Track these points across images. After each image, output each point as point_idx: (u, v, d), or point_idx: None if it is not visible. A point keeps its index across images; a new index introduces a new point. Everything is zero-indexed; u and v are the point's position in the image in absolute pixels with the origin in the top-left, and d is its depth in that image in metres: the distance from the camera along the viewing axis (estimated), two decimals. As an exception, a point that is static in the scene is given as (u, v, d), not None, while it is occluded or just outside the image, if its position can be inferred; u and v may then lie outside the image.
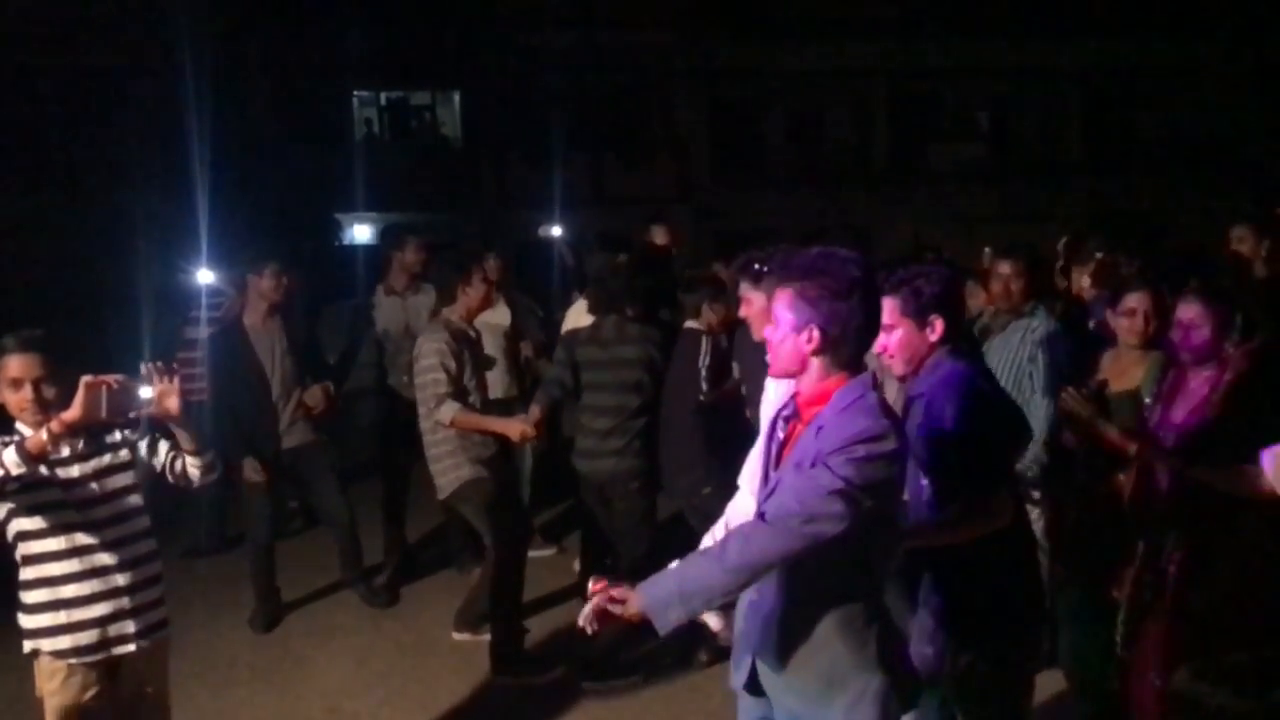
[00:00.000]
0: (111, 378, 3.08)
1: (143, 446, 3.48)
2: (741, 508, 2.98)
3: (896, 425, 2.50)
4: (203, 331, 6.21)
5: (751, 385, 4.58)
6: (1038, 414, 4.43)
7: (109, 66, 14.14)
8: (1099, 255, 5.66)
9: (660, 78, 21.44)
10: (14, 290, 11.74)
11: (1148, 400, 3.89)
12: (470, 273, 5.29)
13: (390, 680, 5.14)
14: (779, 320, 2.54)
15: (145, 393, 3.18)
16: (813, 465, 2.42)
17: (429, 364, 5.08)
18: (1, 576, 3.45)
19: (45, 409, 3.19)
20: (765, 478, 2.65)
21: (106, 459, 3.41)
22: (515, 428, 5.17)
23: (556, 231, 10.72)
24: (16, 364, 3.22)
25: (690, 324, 5.32)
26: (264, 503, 5.78)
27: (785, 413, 2.64)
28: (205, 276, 6.61)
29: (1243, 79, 21.10)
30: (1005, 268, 4.81)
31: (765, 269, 3.82)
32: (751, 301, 3.95)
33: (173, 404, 3.27)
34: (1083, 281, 5.79)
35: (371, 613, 5.90)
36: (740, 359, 5.16)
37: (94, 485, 3.36)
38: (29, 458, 3.03)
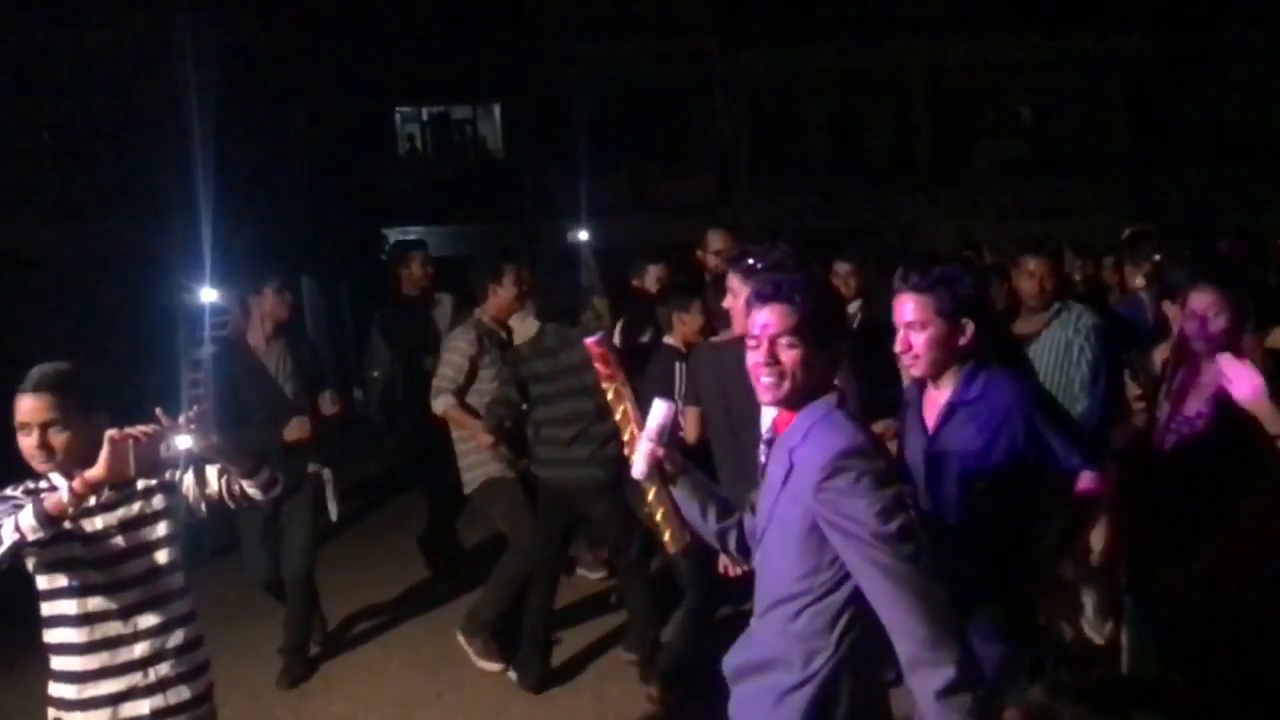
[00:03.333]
0: (139, 430, 2.74)
1: (187, 482, 3.09)
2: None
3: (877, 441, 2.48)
4: (207, 351, 5.95)
5: (725, 406, 4.20)
6: (1081, 408, 4.40)
7: (157, 85, 14.35)
8: (1156, 258, 5.64)
9: (699, 84, 21.47)
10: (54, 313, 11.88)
11: None
12: (501, 271, 5.34)
13: (462, 689, 5.16)
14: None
15: (183, 443, 2.80)
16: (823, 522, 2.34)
17: (447, 357, 5.34)
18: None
19: (52, 457, 2.87)
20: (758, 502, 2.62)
21: (136, 508, 3.02)
22: (485, 437, 5.23)
23: (584, 237, 10.57)
24: (25, 406, 2.86)
25: (666, 340, 5.08)
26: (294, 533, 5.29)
27: (767, 438, 2.61)
28: (209, 295, 6.28)
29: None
30: (1034, 264, 4.74)
31: (758, 265, 3.78)
32: (738, 294, 3.84)
33: (208, 437, 2.89)
34: (1136, 280, 5.77)
35: (440, 621, 5.89)
36: (702, 377, 4.47)
37: (119, 539, 2.98)
38: (47, 520, 2.68)
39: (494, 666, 5.23)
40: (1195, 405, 3.58)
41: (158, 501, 3.06)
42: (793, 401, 2.48)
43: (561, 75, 19.92)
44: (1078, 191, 19.90)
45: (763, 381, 2.48)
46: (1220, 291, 3.50)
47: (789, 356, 2.44)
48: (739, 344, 4.42)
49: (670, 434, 2.60)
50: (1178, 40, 20.92)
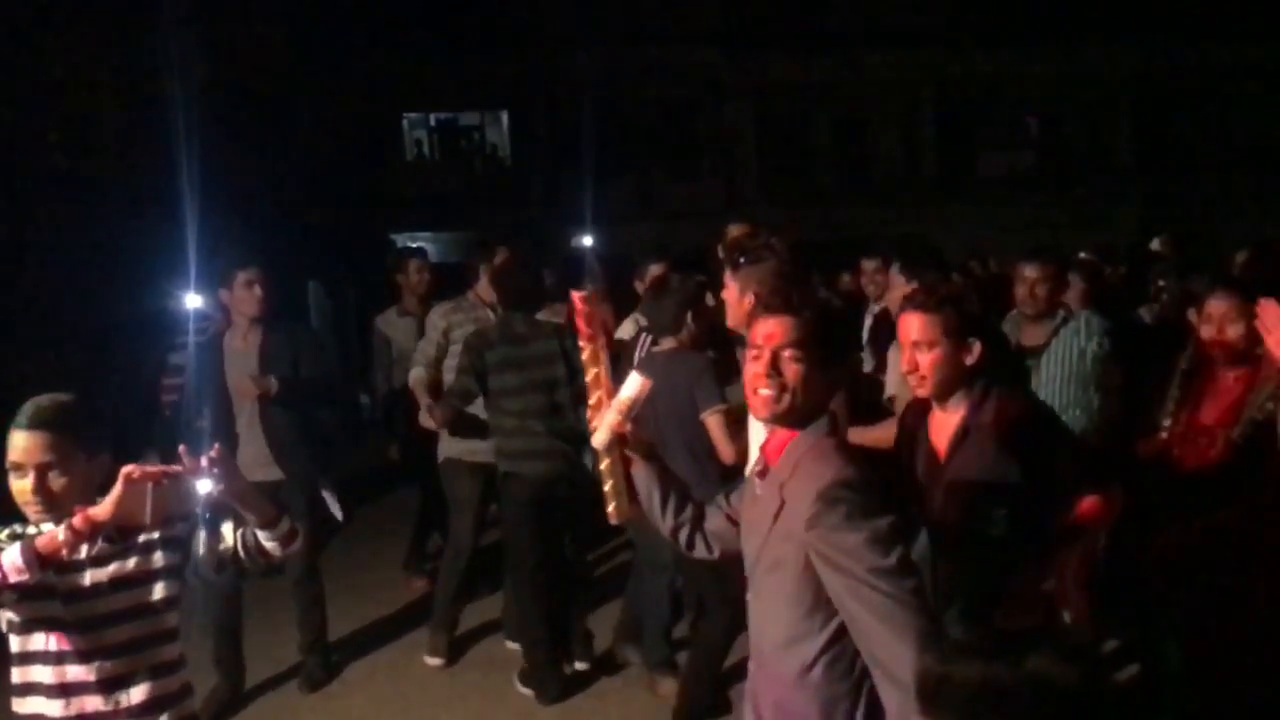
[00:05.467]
0: (160, 470, 2.37)
1: (200, 540, 2.61)
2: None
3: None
4: (188, 356, 5.68)
5: (654, 417, 4.15)
6: (1097, 417, 4.37)
7: (165, 95, 14.39)
8: (1160, 283, 5.64)
9: (707, 92, 21.51)
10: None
11: None
12: (493, 250, 5.41)
13: (486, 691, 5.14)
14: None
15: (204, 487, 2.41)
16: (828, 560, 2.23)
17: (428, 333, 5.54)
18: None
19: (51, 504, 2.45)
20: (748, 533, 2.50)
21: (132, 564, 2.56)
22: (430, 419, 5.14)
23: (588, 242, 10.57)
24: (20, 444, 2.45)
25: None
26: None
27: (758, 469, 2.49)
28: (194, 300, 5.99)
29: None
30: (1031, 271, 4.61)
31: (742, 258, 3.77)
32: (730, 287, 3.82)
33: (233, 482, 2.47)
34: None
35: (461, 623, 5.75)
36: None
37: (109, 600, 2.53)
38: (37, 560, 2.30)
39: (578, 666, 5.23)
40: (1213, 414, 3.54)
41: (159, 558, 2.59)
42: (789, 419, 2.37)
43: (569, 82, 19.96)
44: (1084, 203, 19.89)
45: (760, 394, 2.36)
46: (1237, 298, 3.46)
47: (792, 371, 2.34)
48: (674, 355, 4.38)
49: (638, 411, 2.53)
50: (1184, 53, 20.94)
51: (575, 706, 4.98)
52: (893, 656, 2.14)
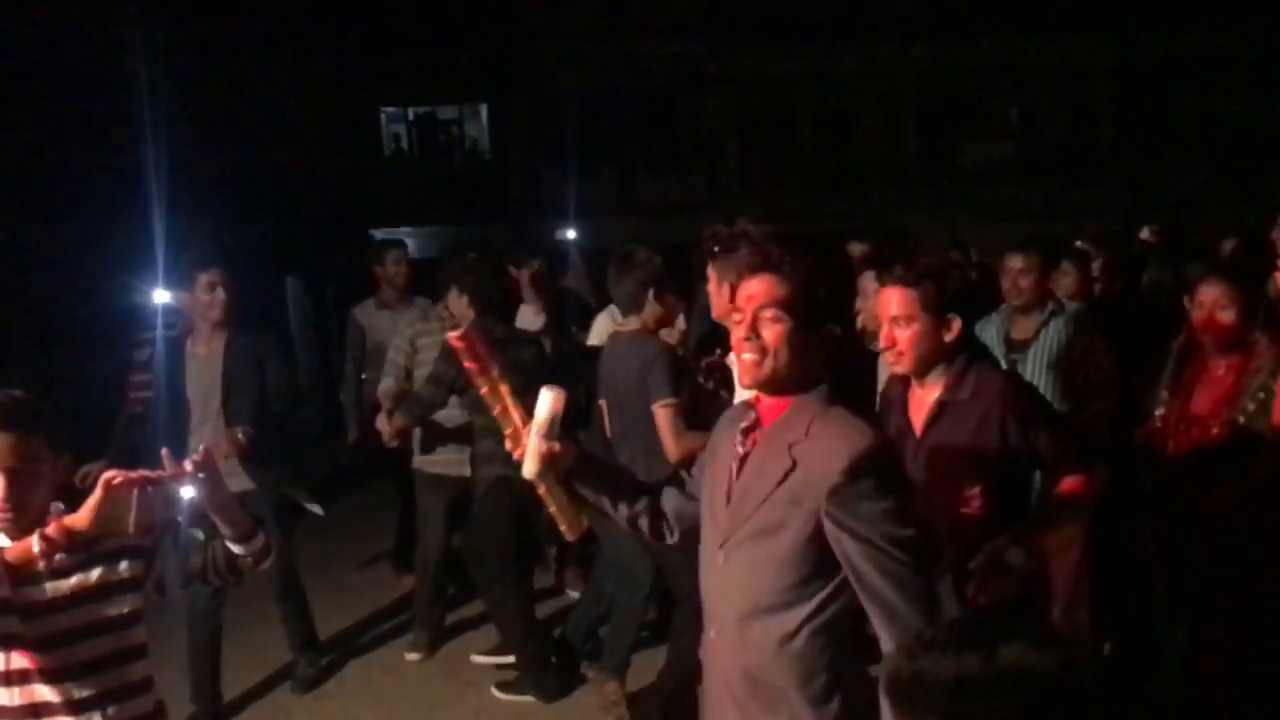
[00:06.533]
0: (144, 475, 2.18)
1: (167, 552, 2.42)
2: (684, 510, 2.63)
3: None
4: (155, 352, 5.40)
5: (615, 395, 4.25)
6: (1083, 406, 4.33)
7: (138, 85, 14.24)
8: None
9: (688, 84, 21.47)
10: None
11: None
12: (461, 268, 5.24)
13: (482, 689, 5.08)
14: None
15: (187, 493, 2.25)
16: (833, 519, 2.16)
17: (396, 342, 5.50)
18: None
19: (22, 513, 2.25)
20: (729, 494, 2.36)
21: (95, 575, 2.34)
22: (389, 425, 5.10)
23: (571, 236, 10.48)
24: None
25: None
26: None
27: (745, 424, 2.36)
28: (161, 296, 5.76)
29: (1273, 70, 20.83)
30: (1016, 262, 4.58)
31: (717, 248, 3.70)
32: (710, 279, 3.76)
33: (216, 490, 2.30)
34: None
35: (456, 621, 5.78)
36: (603, 363, 4.46)
37: (72, 615, 2.32)
38: (7, 574, 2.15)
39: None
40: (1205, 404, 3.51)
41: (124, 569, 2.37)
42: (773, 385, 2.26)
43: (550, 75, 19.89)
44: (1064, 193, 19.94)
45: (743, 359, 2.25)
46: (1229, 285, 3.45)
47: (772, 332, 2.22)
48: (633, 338, 4.26)
49: (562, 424, 2.37)
50: (1162, 44, 21.01)
51: (575, 701, 4.96)
52: (901, 614, 2.13)
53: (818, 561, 2.21)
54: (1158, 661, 4.11)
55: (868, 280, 4.43)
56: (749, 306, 2.24)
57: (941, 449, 3.01)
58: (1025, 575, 3.05)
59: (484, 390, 2.48)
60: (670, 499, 2.59)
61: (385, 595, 6.24)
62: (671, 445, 4.01)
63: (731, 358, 3.33)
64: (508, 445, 2.47)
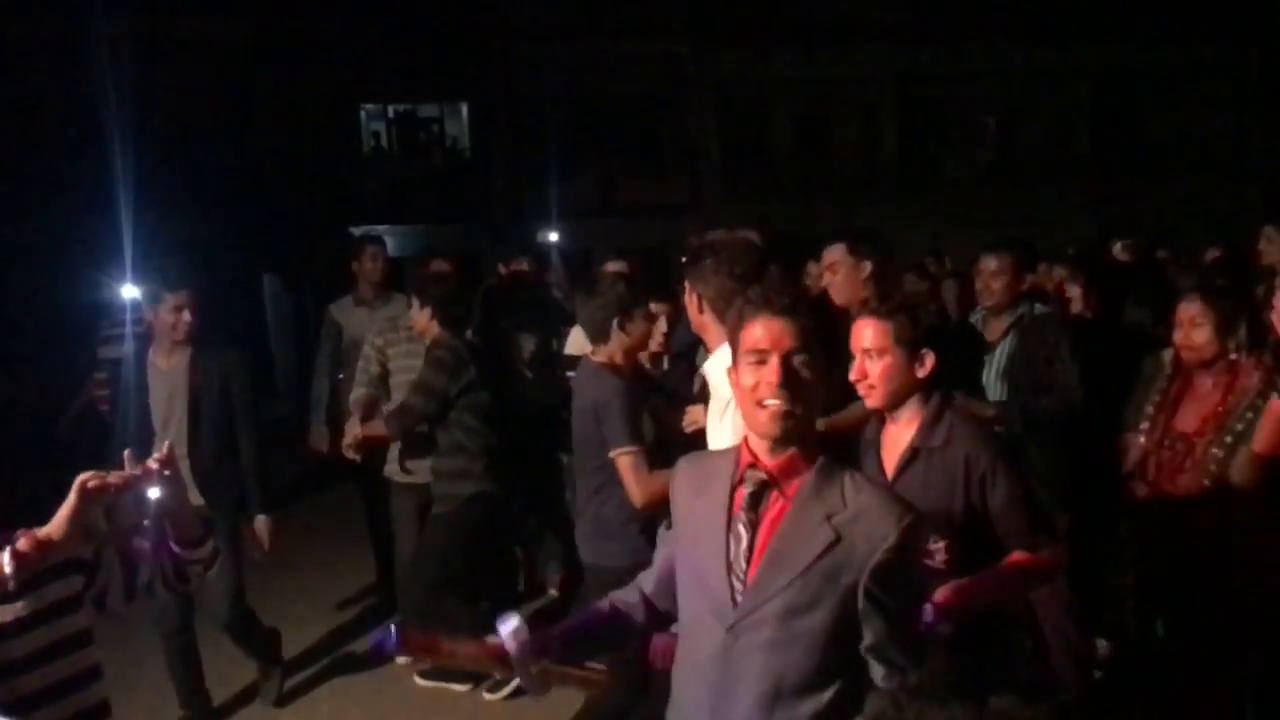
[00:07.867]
0: (122, 477, 2.07)
1: (113, 564, 2.26)
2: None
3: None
4: (126, 350, 5.20)
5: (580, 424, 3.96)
6: (1040, 409, 4.32)
7: (119, 81, 14.13)
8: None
9: (669, 86, 21.46)
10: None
11: None
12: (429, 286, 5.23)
13: (477, 693, 5.07)
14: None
15: (153, 494, 2.15)
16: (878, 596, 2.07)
17: (365, 350, 5.57)
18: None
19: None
20: (740, 569, 2.15)
21: (52, 592, 2.16)
22: (359, 430, 5.20)
23: (553, 238, 10.38)
24: None
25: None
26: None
27: (749, 487, 2.16)
28: (129, 291, 5.54)
29: (1249, 81, 21.04)
30: (989, 263, 4.62)
31: (684, 260, 3.54)
32: (687, 289, 3.50)
33: (176, 491, 2.20)
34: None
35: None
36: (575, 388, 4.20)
37: (31, 637, 2.14)
38: None
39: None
40: (1191, 421, 3.51)
41: (76, 581, 2.20)
42: (797, 437, 2.12)
43: (531, 74, 19.84)
44: (1043, 201, 20.04)
45: (769, 406, 2.08)
46: (1203, 302, 3.44)
47: (806, 378, 2.09)
48: (596, 372, 3.90)
49: (531, 641, 2.22)
50: (1141, 53, 21.16)
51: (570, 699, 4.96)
52: (898, 655, 2.07)
53: (849, 637, 2.09)
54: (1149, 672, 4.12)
55: (835, 252, 4.28)
56: (777, 349, 2.09)
57: (911, 496, 2.91)
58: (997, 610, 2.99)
59: (447, 663, 2.45)
60: (649, 582, 2.47)
61: (374, 598, 6.26)
62: (637, 493, 3.70)
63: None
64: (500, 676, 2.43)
